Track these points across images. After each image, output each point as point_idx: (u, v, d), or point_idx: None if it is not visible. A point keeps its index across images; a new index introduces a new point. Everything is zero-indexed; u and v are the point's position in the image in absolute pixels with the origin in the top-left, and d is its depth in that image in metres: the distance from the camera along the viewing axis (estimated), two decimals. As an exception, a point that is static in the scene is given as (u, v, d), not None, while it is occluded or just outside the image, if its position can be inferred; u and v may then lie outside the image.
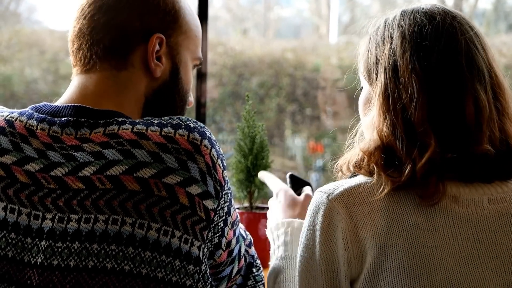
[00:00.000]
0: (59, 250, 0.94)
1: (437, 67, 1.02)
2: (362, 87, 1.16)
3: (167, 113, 1.11)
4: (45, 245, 0.95)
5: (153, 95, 1.09)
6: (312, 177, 4.86)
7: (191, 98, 1.19)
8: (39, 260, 0.94)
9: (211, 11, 5.52)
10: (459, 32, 1.04)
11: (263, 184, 1.71)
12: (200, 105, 2.11)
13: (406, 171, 0.99)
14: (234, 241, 1.07)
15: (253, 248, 1.21)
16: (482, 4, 5.49)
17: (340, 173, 1.10)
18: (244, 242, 1.14)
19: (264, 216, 1.71)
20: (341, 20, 5.68)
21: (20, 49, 3.98)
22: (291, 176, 1.38)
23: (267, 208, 1.77)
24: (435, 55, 1.02)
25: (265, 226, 1.72)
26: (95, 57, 1.06)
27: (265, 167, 1.69)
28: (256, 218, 1.70)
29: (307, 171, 4.88)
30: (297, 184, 1.34)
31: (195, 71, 1.21)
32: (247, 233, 1.22)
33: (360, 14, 5.38)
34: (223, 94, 4.71)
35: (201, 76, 2.24)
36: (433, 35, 1.04)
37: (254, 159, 1.68)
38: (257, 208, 1.76)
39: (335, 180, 1.12)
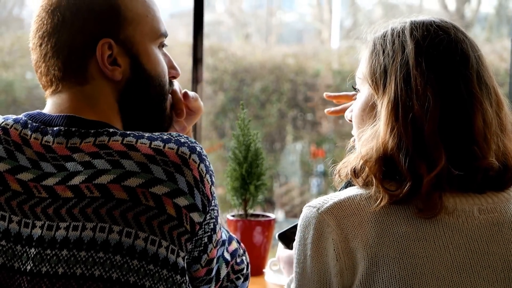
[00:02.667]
0: (48, 257, 0.94)
1: (450, 80, 1.03)
2: (357, 90, 1.15)
3: (147, 104, 1.10)
4: (34, 253, 0.95)
5: (123, 97, 1.08)
6: (314, 182, 4.87)
7: (175, 70, 1.16)
8: (29, 267, 0.95)
9: (214, 16, 5.53)
10: (470, 49, 1.06)
11: (257, 192, 1.72)
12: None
13: (406, 187, 0.99)
14: (214, 261, 1.06)
15: (241, 282, 1.17)
16: (485, 9, 5.49)
17: (337, 177, 1.09)
18: (227, 268, 1.12)
19: (259, 224, 1.72)
20: (343, 25, 5.68)
21: (22, 55, 4.00)
22: (279, 236, 1.36)
23: (262, 216, 1.78)
24: (449, 68, 1.04)
25: (259, 233, 1.74)
26: (55, 79, 1.06)
27: (260, 175, 1.70)
28: (251, 225, 1.71)
29: (308, 176, 4.89)
30: (289, 236, 1.32)
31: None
32: (244, 257, 1.18)
33: (362, 19, 5.37)
34: (224, 99, 4.72)
35: (196, 79, 2.25)
36: (449, 49, 1.05)
37: (249, 167, 1.69)
38: (252, 215, 1.76)
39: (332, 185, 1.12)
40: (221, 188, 2.12)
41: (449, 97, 1.02)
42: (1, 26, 4.43)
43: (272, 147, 4.72)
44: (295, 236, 1.29)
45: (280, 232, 1.36)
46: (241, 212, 1.75)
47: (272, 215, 1.78)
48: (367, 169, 1.02)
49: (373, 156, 1.02)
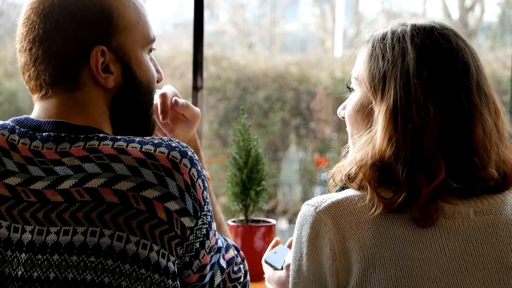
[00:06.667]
0: (39, 262, 0.94)
1: (451, 90, 1.02)
2: (351, 89, 1.14)
3: (137, 110, 1.10)
4: (25, 258, 0.94)
5: (114, 104, 1.07)
6: (317, 190, 4.86)
7: (159, 74, 1.15)
8: (20, 272, 0.94)
9: (217, 26, 5.55)
10: (471, 58, 1.05)
11: (258, 197, 1.71)
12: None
13: (402, 197, 0.98)
14: (208, 267, 1.04)
15: None
16: (488, 17, 5.50)
17: (331, 181, 1.09)
18: (222, 275, 1.10)
19: (259, 229, 1.71)
20: (346, 34, 5.70)
21: (24, 64, 4.01)
22: (266, 261, 1.33)
23: (263, 221, 1.77)
24: (451, 78, 1.03)
25: (260, 239, 1.72)
26: (45, 84, 1.05)
27: (260, 180, 1.69)
28: (251, 231, 1.70)
29: (311, 184, 4.89)
30: (276, 259, 1.31)
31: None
32: (241, 265, 1.16)
33: (365, 28, 5.37)
34: (227, 108, 4.73)
35: (196, 87, 2.25)
36: (450, 58, 1.04)
37: (249, 172, 1.68)
38: (253, 221, 1.75)
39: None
40: (225, 197, 2.13)
41: (449, 108, 1.01)
42: (5, 36, 4.45)
43: (275, 155, 4.72)
44: (280, 258, 1.27)
45: (265, 256, 1.34)
46: (242, 217, 1.75)
47: (272, 221, 1.77)
48: (361, 175, 1.02)
49: (368, 162, 1.01)
